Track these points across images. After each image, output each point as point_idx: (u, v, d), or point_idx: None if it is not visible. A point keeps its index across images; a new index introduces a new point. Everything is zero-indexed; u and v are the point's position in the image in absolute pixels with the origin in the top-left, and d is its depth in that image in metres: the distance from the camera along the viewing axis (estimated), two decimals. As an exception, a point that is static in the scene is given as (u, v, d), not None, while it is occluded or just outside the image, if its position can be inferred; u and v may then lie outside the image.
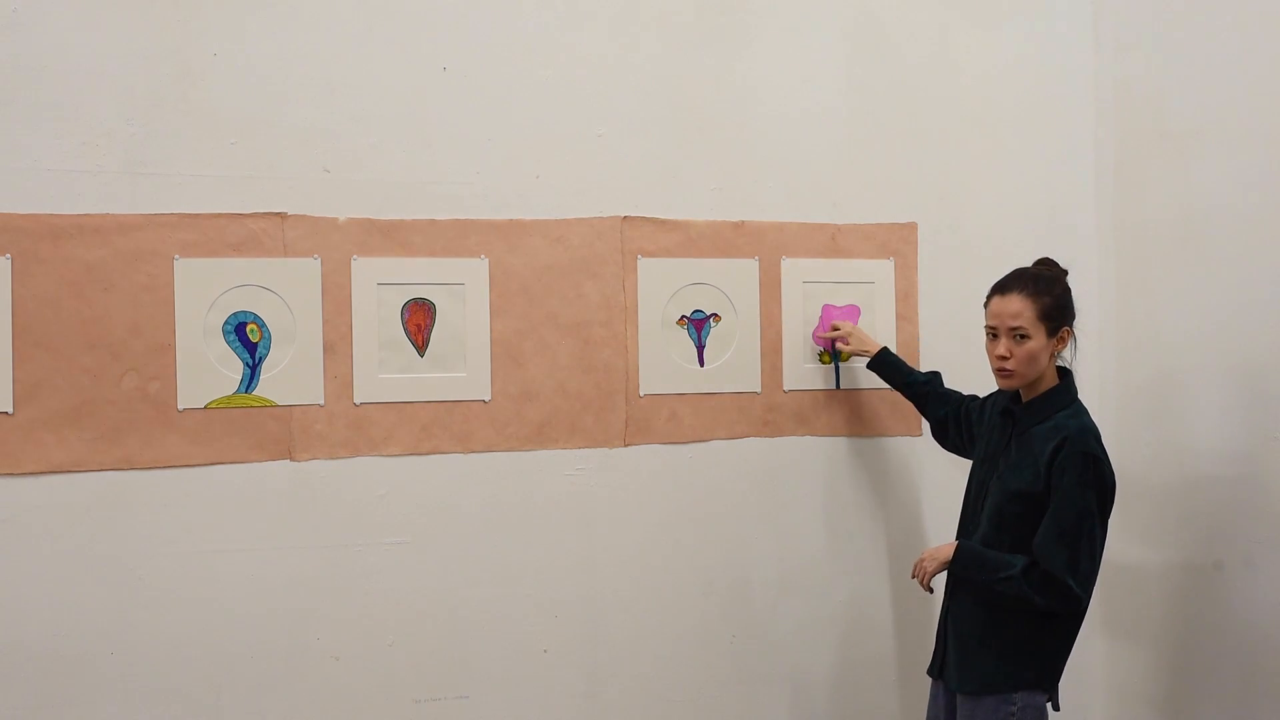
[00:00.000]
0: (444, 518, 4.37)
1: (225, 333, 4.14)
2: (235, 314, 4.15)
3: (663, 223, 4.58)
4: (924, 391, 4.57)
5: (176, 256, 4.09)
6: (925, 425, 4.78)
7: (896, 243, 4.87)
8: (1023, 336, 3.87)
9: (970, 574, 3.92)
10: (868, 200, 4.85)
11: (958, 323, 4.89)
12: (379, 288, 4.29)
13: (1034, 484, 3.82)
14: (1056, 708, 4.00)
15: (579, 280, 4.49)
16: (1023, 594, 3.75)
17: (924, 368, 4.84)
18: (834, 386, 4.78)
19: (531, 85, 4.46)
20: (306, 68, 4.22)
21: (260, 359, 4.18)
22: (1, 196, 3.94)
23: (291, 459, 4.21)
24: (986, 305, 4.02)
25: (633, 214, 4.55)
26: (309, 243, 4.22)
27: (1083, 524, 3.76)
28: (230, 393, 4.15)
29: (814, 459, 4.78)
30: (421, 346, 4.34)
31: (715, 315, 4.62)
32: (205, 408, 4.13)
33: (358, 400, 4.26)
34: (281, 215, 4.19)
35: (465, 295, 4.38)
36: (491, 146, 4.41)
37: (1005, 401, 4.07)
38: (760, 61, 4.72)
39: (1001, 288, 3.98)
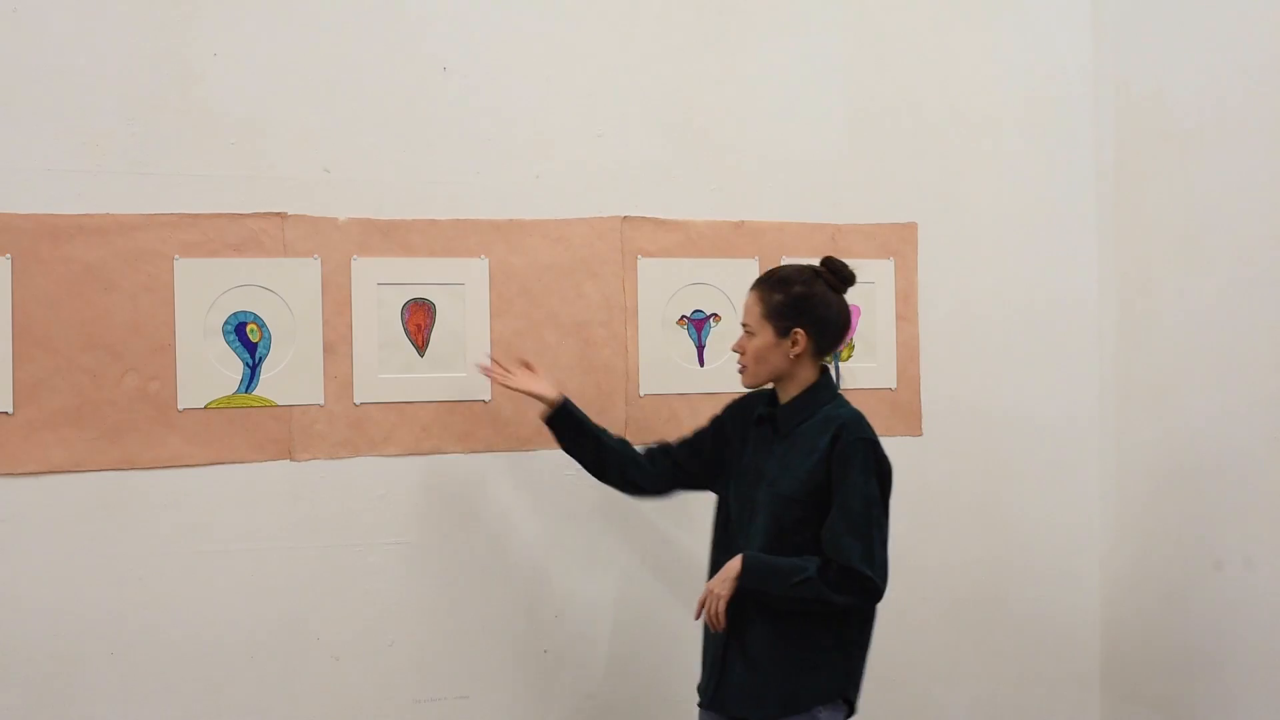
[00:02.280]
0: (444, 518, 4.35)
1: (225, 333, 4.11)
2: (235, 314, 4.13)
3: (663, 223, 4.55)
4: (619, 456, 4.08)
5: (177, 256, 4.06)
6: (926, 423, 4.77)
7: (896, 243, 4.83)
8: (750, 333, 3.74)
9: (764, 585, 3.56)
10: (868, 200, 4.81)
11: (958, 323, 4.89)
12: (379, 288, 4.26)
13: (810, 482, 3.61)
14: (854, 711, 3.76)
15: (579, 280, 4.46)
16: (821, 595, 3.50)
17: (924, 368, 4.84)
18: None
19: (531, 85, 4.43)
20: (307, 68, 4.20)
21: (260, 359, 4.15)
22: (1, 196, 3.92)
23: (292, 459, 4.18)
24: None
25: (633, 214, 4.53)
26: (309, 243, 4.19)
27: (871, 512, 3.56)
28: (230, 393, 4.13)
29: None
30: (422, 346, 4.31)
31: (715, 315, 4.59)
32: (205, 408, 4.10)
33: (358, 400, 4.23)
34: (282, 215, 4.16)
35: (465, 295, 4.35)
36: (491, 146, 4.38)
37: (760, 408, 3.86)
38: (760, 61, 4.70)
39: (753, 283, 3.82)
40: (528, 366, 4.16)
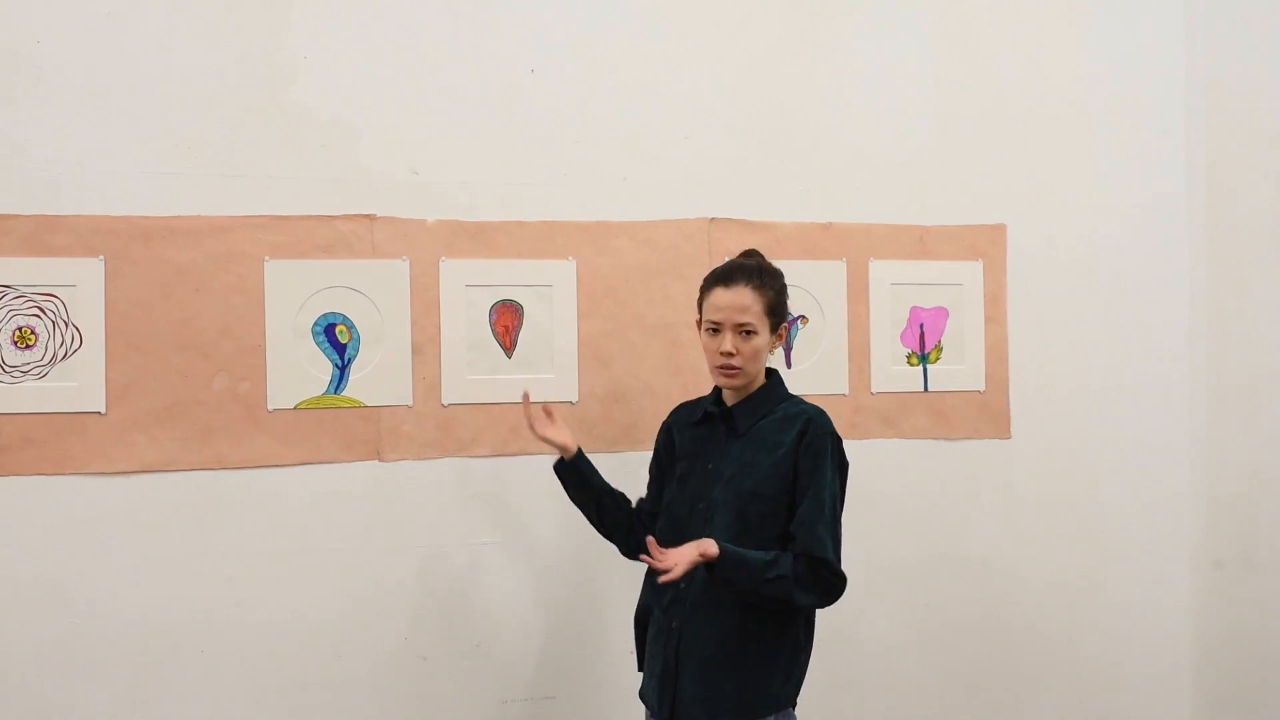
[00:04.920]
0: (531, 519, 4.31)
1: (315, 334, 4.10)
2: (324, 315, 4.11)
3: (750, 224, 4.48)
4: (619, 513, 3.91)
5: (266, 258, 4.05)
6: (1015, 426, 4.69)
7: (985, 244, 4.74)
8: (749, 332, 3.48)
9: (736, 577, 3.34)
10: (956, 202, 4.73)
11: (1046, 325, 4.81)
12: (467, 289, 4.23)
13: (775, 477, 3.43)
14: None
15: (666, 281, 4.41)
16: (789, 594, 3.31)
17: (1013, 370, 4.75)
18: (922, 389, 4.64)
19: (618, 87, 4.39)
20: (395, 70, 4.18)
21: (349, 360, 4.12)
22: (94, 199, 3.93)
23: (380, 459, 4.16)
24: (703, 298, 3.61)
25: (720, 215, 4.47)
26: (397, 244, 4.16)
27: (837, 506, 3.44)
28: (319, 393, 4.11)
29: (901, 461, 4.67)
30: (509, 348, 4.26)
31: (803, 317, 4.51)
32: (295, 408, 4.09)
33: (445, 401, 4.20)
34: (370, 217, 4.14)
35: (553, 296, 4.31)
36: (579, 148, 4.34)
37: (706, 407, 3.68)
38: (847, 62, 4.63)
39: (725, 279, 3.54)
40: (549, 414, 3.98)
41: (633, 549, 3.81)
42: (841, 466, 3.51)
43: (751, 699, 3.45)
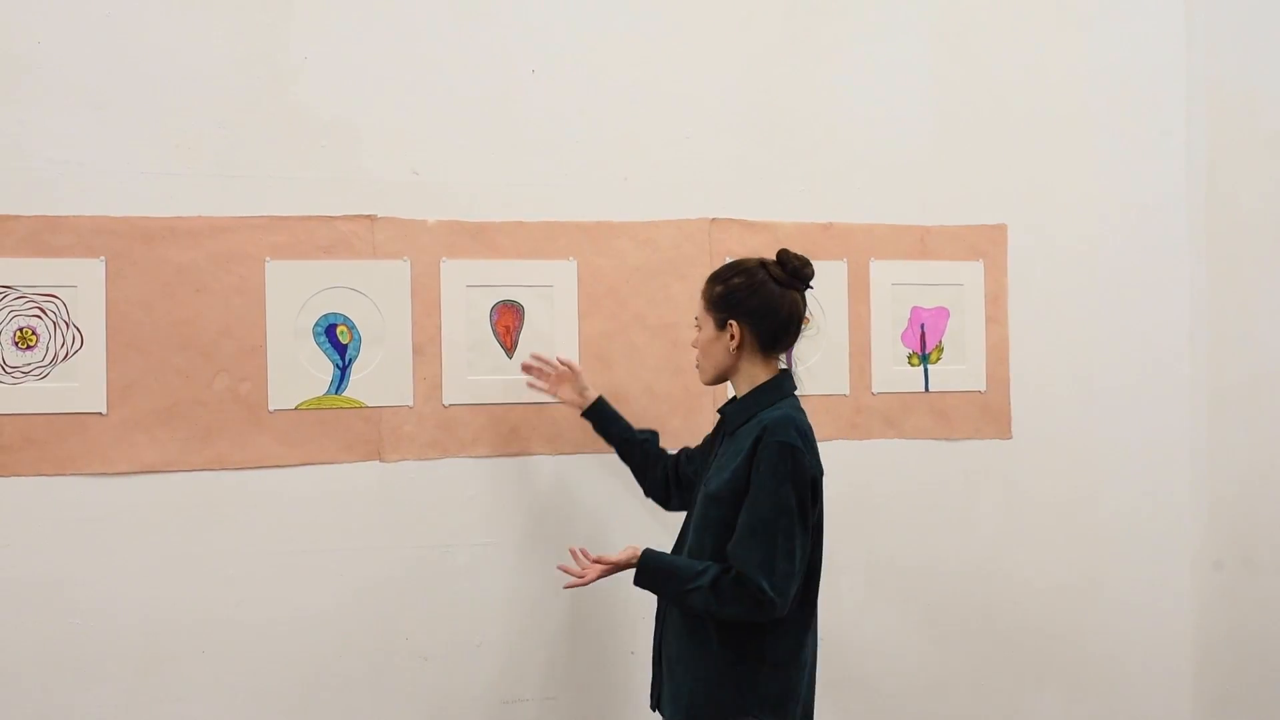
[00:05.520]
0: (533, 519, 4.29)
1: (315, 334, 4.08)
2: (325, 315, 4.09)
3: (751, 224, 4.46)
4: (643, 450, 4.09)
5: (267, 259, 4.04)
6: (1016, 426, 4.68)
7: (986, 244, 4.73)
8: (698, 326, 3.61)
9: (656, 587, 3.47)
10: (957, 202, 4.72)
11: (1047, 325, 4.80)
12: (468, 289, 4.22)
13: (734, 482, 3.37)
14: None
15: (667, 282, 4.39)
16: (709, 606, 3.31)
17: (1014, 370, 4.74)
18: (923, 389, 4.63)
19: (619, 87, 4.38)
20: (396, 70, 4.17)
21: (350, 360, 4.11)
22: (95, 199, 3.92)
23: (381, 460, 4.14)
24: None
25: (721, 216, 4.45)
26: (398, 245, 4.15)
27: (779, 520, 3.28)
28: (320, 394, 4.09)
29: (902, 461, 4.65)
30: (510, 348, 4.25)
31: (804, 318, 4.49)
32: (296, 409, 4.07)
33: (446, 401, 4.18)
34: (371, 217, 4.12)
35: (554, 297, 4.29)
36: (579, 148, 4.33)
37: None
38: (848, 62, 4.62)
39: None
40: (563, 373, 4.15)
41: (653, 492, 4.07)
42: (797, 480, 3.33)
43: (708, 706, 3.42)
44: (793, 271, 3.52)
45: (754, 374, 3.53)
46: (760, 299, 3.49)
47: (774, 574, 3.26)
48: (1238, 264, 4.81)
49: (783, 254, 3.55)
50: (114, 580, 3.94)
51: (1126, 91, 4.92)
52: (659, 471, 4.02)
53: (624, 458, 4.11)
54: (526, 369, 4.19)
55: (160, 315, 3.95)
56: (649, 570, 3.46)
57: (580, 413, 4.13)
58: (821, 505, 3.45)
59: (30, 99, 3.88)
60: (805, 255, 3.54)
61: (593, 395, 4.12)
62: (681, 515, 3.80)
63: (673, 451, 4.06)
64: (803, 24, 4.57)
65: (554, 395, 4.16)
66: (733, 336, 3.50)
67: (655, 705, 3.68)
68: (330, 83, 4.11)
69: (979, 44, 4.77)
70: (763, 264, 3.54)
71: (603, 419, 4.10)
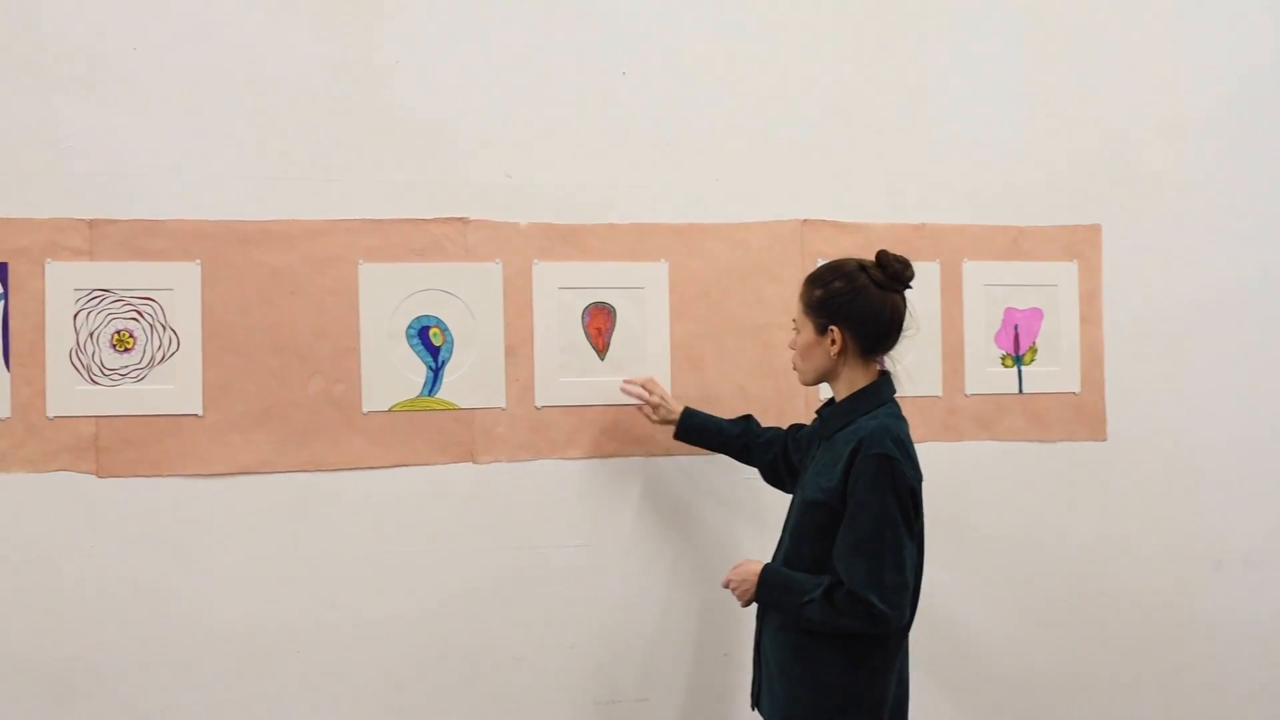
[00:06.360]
0: (625, 521, 4.27)
1: (409, 336, 4.08)
2: (419, 318, 4.10)
3: (842, 225, 4.42)
4: (743, 444, 4.07)
5: (361, 261, 4.04)
6: (1111, 428, 4.60)
7: (1080, 245, 4.66)
8: (796, 329, 3.56)
9: (777, 601, 3.44)
10: (1051, 201, 4.65)
11: (1142, 326, 4.72)
12: (560, 291, 4.20)
13: (832, 491, 3.33)
14: None
15: (759, 284, 4.36)
16: (827, 619, 3.27)
17: (1109, 372, 4.66)
18: (1017, 390, 4.57)
19: (710, 89, 4.35)
20: (488, 74, 4.17)
21: (443, 362, 4.11)
22: (191, 203, 3.94)
23: (474, 461, 4.13)
24: None
25: (812, 217, 4.41)
26: (491, 247, 4.15)
27: (884, 532, 3.23)
28: (413, 396, 4.09)
29: (996, 463, 4.59)
30: (602, 350, 4.23)
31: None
32: (389, 410, 4.08)
33: (539, 403, 4.17)
34: (464, 220, 4.12)
35: (645, 299, 4.27)
36: (670, 150, 4.31)
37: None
38: (940, 61, 4.58)
39: None
40: (650, 404, 4.13)
41: (766, 477, 4.08)
42: (898, 490, 3.28)
43: (805, 710, 3.40)
44: (893, 274, 3.46)
45: (854, 378, 3.48)
46: (861, 304, 3.43)
47: (883, 587, 3.22)
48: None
49: (882, 255, 3.48)
50: (209, 581, 3.96)
51: (1223, 90, 4.83)
52: (768, 458, 4.00)
53: (729, 455, 4.10)
54: (627, 390, 4.17)
55: (255, 318, 3.97)
56: (768, 584, 3.44)
57: (673, 435, 4.11)
58: (922, 515, 3.39)
59: (126, 105, 3.90)
60: (901, 254, 3.49)
61: (677, 410, 4.08)
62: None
63: (783, 429, 4.07)
64: (894, 23, 4.53)
65: (646, 417, 4.15)
66: (834, 341, 3.45)
67: (755, 704, 3.65)
68: (422, 86, 4.11)
69: (1072, 43, 4.70)
70: (862, 266, 3.47)
71: (696, 435, 4.08)
